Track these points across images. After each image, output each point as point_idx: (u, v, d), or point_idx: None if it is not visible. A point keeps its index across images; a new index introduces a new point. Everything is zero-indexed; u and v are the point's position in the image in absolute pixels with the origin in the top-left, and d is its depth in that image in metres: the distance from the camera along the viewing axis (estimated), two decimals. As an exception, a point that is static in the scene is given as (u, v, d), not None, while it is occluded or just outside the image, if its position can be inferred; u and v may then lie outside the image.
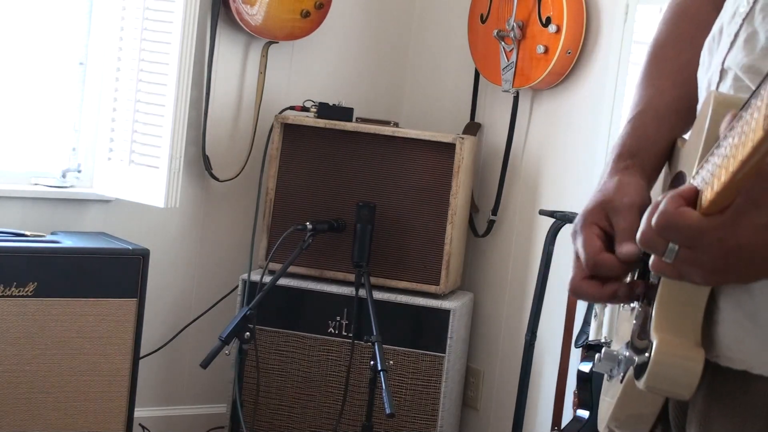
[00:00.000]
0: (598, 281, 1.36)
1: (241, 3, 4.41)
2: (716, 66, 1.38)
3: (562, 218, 4.14)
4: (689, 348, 1.26)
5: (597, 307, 3.98)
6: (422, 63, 4.95)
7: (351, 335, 4.27)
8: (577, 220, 1.39)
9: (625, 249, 1.32)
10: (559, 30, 4.19)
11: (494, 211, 4.59)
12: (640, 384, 1.27)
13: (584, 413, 3.82)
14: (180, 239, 4.59)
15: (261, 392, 4.32)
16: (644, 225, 1.20)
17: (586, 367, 3.82)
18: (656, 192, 1.46)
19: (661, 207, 1.18)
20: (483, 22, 4.45)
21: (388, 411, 3.70)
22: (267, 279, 4.21)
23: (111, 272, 4.00)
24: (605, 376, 1.45)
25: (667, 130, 1.46)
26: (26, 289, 3.86)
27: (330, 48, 4.80)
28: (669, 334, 1.26)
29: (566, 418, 4.03)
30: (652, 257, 1.22)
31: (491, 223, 4.61)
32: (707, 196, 1.15)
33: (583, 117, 4.27)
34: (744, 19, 1.35)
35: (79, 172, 4.41)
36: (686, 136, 1.46)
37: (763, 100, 1.02)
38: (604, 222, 1.37)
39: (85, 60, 4.40)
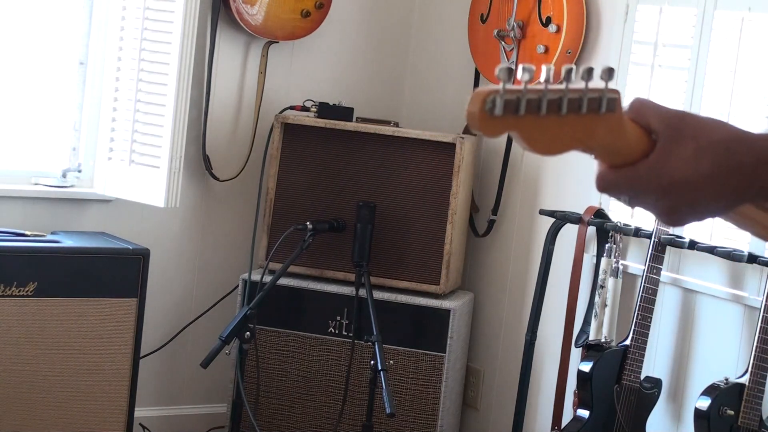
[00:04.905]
0: None
1: (242, 3, 4.41)
2: None
3: (562, 218, 4.14)
4: None
5: (597, 307, 3.99)
6: (422, 63, 4.95)
7: (351, 335, 4.28)
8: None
9: None
10: (559, 30, 4.19)
11: (494, 211, 4.59)
12: None
13: (584, 413, 3.83)
14: (180, 239, 4.59)
15: (261, 392, 4.32)
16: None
17: (586, 367, 3.82)
18: None
19: (596, 172, 1.27)
20: (483, 21, 4.45)
21: (388, 411, 3.70)
22: (267, 279, 4.21)
23: (111, 272, 4.00)
24: None
25: None
26: (26, 289, 3.86)
27: (330, 48, 4.80)
28: None
29: (566, 418, 4.03)
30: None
31: (491, 223, 4.61)
32: None
33: (583, 117, 4.27)
34: None
35: (80, 171, 4.41)
36: None
37: None
38: None
39: (85, 60, 4.40)
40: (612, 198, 1.29)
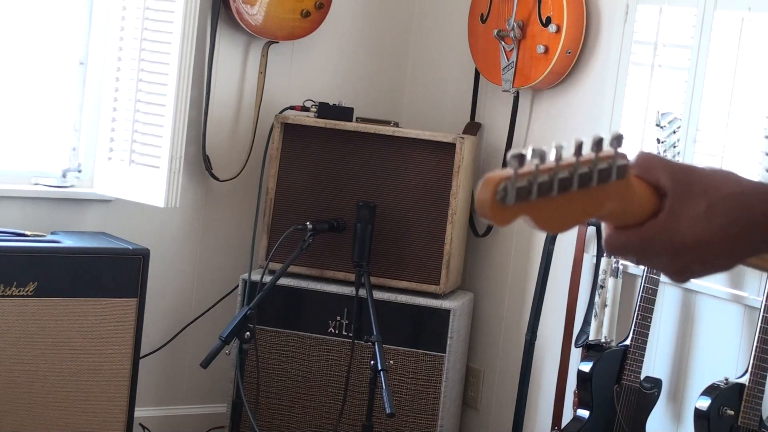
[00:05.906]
0: None
1: (241, 3, 4.41)
2: None
3: (562, 218, 4.14)
4: None
5: (597, 307, 3.99)
6: (422, 63, 4.95)
7: (351, 335, 4.28)
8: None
9: None
10: (559, 30, 4.19)
11: (494, 211, 4.58)
12: None
13: (584, 413, 3.83)
14: (180, 239, 4.59)
15: (261, 392, 4.32)
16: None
17: (586, 367, 3.82)
18: None
19: (603, 235, 1.22)
20: (483, 22, 4.45)
21: (388, 411, 3.70)
22: (267, 279, 4.21)
23: (111, 272, 4.00)
24: None
25: None
26: (26, 289, 3.86)
27: (330, 48, 4.80)
28: None
29: (566, 418, 4.03)
30: None
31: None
32: None
33: (583, 117, 4.28)
34: None
35: (80, 172, 4.41)
36: None
37: None
38: None
39: (85, 60, 4.40)
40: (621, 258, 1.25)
